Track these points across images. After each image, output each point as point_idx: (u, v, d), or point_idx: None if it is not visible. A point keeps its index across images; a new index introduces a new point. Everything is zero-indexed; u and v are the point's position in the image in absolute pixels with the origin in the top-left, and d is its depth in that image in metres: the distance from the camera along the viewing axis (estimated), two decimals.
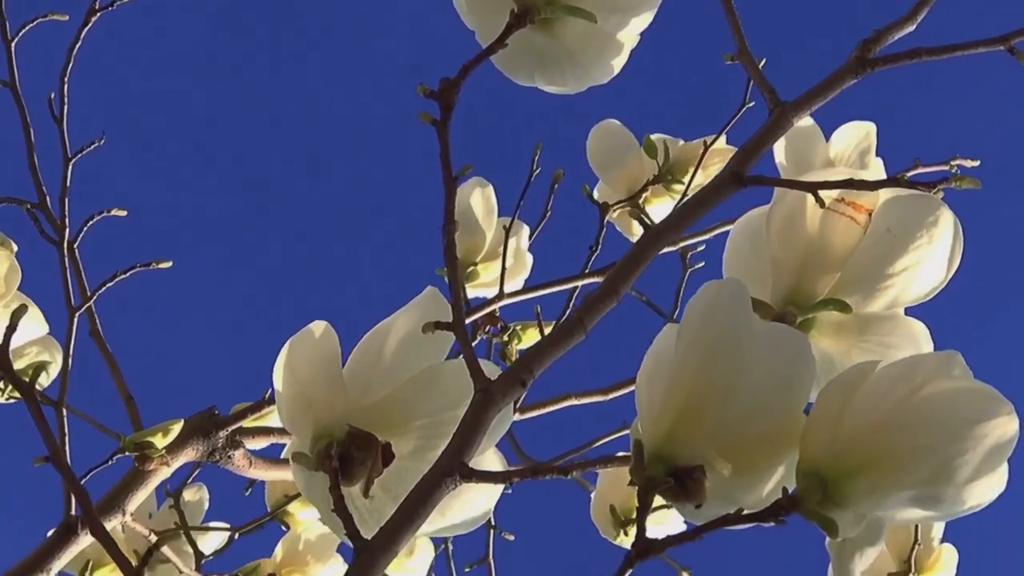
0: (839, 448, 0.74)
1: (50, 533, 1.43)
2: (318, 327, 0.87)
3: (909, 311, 0.92)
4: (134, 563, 1.79)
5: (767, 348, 0.77)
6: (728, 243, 0.95)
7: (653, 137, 1.60)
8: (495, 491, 0.89)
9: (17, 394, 1.55)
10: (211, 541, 1.81)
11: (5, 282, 1.01)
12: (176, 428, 1.49)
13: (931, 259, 0.90)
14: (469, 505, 0.89)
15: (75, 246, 1.55)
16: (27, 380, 0.85)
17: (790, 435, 0.77)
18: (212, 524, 1.83)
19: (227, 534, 1.82)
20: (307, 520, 1.79)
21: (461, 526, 0.90)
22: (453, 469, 0.80)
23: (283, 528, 1.80)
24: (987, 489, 0.75)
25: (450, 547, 1.80)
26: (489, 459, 0.89)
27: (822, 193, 0.89)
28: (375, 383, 0.88)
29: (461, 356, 0.85)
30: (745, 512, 0.74)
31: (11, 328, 0.85)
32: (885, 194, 0.91)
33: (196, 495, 1.85)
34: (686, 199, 0.95)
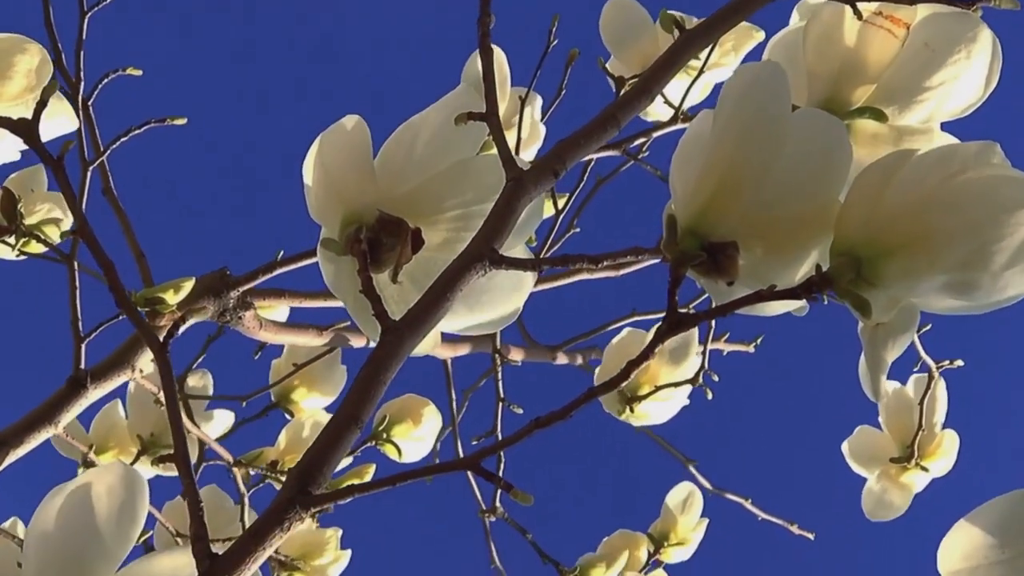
0: (874, 227, 0.74)
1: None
2: (350, 120, 0.86)
3: (945, 128, 0.92)
4: (134, 452, 1.80)
5: (804, 128, 0.76)
6: (763, 59, 0.94)
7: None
8: (524, 288, 0.89)
9: (28, 250, 1.55)
10: (214, 428, 1.81)
11: (37, 74, 1.01)
12: (188, 285, 1.48)
13: (968, 75, 0.89)
14: (498, 301, 0.89)
15: (89, 103, 1.54)
16: (56, 156, 0.84)
17: (825, 218, 0.76)
18: (217, 408, 1.83)
19: (230, 423, 1.82)
20: (311, 408, 1.79)
21: (489, 324, 0.90)
22: (483, 254, 0.79)
23: (287, 416, 1.80)
24: (1021, 279, 0.74)
25: (457, 424, 1.80)
26: (518, 255, 0.89)
27: (860, 6, 0.89)
28: (406, 174, 0.87)
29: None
30: (778, 288, 0.74)
31: (41, 103, 0.84)
32: (923, 11, 0.90)
33: (200, 381, 1.85)
34: (721, 7, 0.94)
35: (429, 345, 0.86)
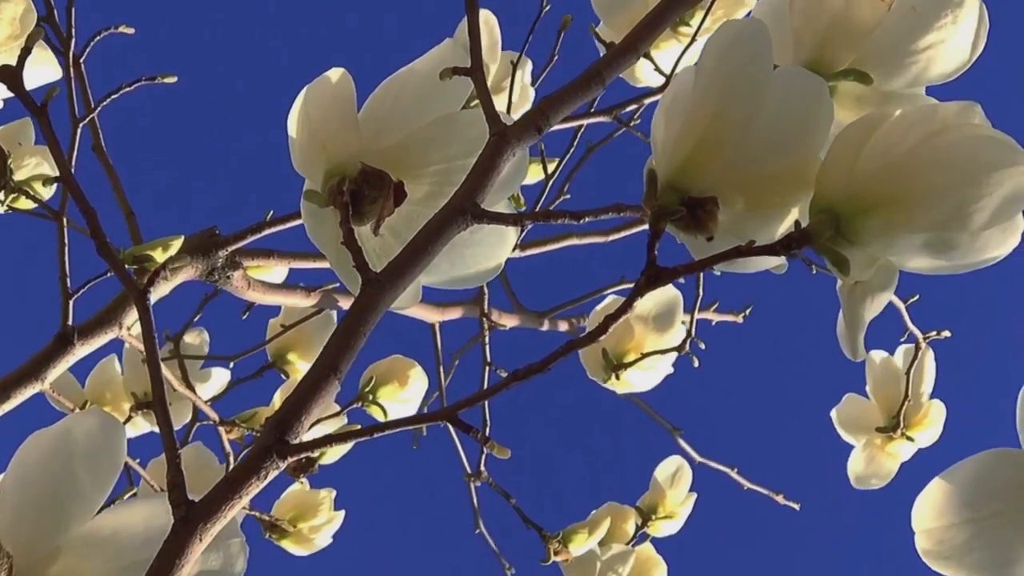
0: (854, 185, 0.74)
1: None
2: (335, 73, 0.86)
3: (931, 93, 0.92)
4: (130, 405, 1.80)
5: (786, 85, 0.77)
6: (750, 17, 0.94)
7: None
8: (506, 244, 0.89)
9: (16, 206, 1.55)
10: (209, 387, 1.81)
11: (21, 22, 1.01)
12: (176, 244, 1.48)
13: (955, 39, 0.89)
14: (480, 256, 0.89)
15: (81, 60, 1.54)
16: (38, 104, 0.84)
17: (806, 176, 0.76)
18: (212, 367, 1.83)
19: (226, 381, 1.82)
20: (306, 369, 1.79)
21: (471, 279, 0.90)
22: (465, 208, 0.80)
23: (282, 376, 1.80)
24: (1000, 241, 0.74)
25: (444, 389, 1.81)
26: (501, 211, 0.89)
27: None
28: (390, 127, 0.87)
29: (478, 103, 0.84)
30: (757, 244, 0.74)
31: (26, 50, 0.83)
32: None
33: (197, 339, 1.85)
34: None
35: (410, 299, 0.86)
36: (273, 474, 0.76)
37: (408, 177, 0.87)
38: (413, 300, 0.88)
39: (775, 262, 0.79)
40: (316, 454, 1.51)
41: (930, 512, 0.76)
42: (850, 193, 0.74)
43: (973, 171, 0.73)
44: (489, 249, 0.89)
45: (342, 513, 1.67)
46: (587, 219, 0.82)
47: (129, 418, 1.73)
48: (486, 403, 1.66)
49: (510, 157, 0.82)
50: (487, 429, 1.60)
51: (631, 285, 1.70)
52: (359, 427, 1.52)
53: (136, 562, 0.78)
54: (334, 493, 1.68)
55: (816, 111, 0.77)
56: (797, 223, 0.75)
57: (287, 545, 1.67)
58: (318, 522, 1.66)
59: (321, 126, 0.85)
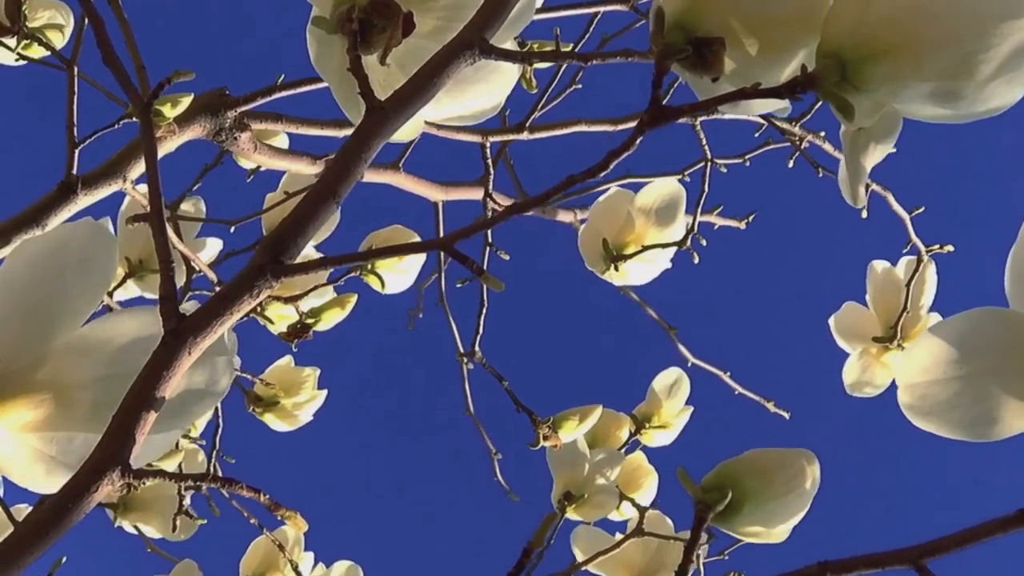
0: (862, 31, 0.73)
1: None
2: None
3: None
4: (121, 273, 1.80)
5: None
6: None
7: None
8: (508, 82, 0.89)
9: (28, 54, 1.55)
10: (203, 256, 1.81)
11: None
12: (186, 100, 1.48)
13: None
14: (483, 93, 0.89)
15: None
16: None
17: (813, 20, 0.75)
18: (207, 238, 1.83)
19: (217, 251, 1.82)
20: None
21: (471, 116, 0.90)
22: (473, 42, 0.79)
23: None
24: (1005, 91, 0.74)
25: (444, 270, 1.81)
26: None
27: None
28: None
29: None
30: (762, 87, 0.74)
31: None
32: None
33: (193, 207, 1.84)
34: None
35: (411, 131, 0.86)
36: (265, 293, 0.76)
37: (418, 9, 0.86)
38: (415, 132, 0.87)
39: (779, 105, 0.78)
40: (311, 320, 1.52)
41: (915, 367, 0.76)
42: (857, 39, 0.73)
43: (982, 21, 0.72)
44: (491, 87, 0.89)
45: (324, 392, 1.68)
46: (595, 62, 0.82)
47: (122, 282, 1.73)
48: (485, 265, 1.66)
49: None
50: (484, 310, 1.61)
51: (637, 180, 1.71)
52: (355, 298, 1.53)
53: (123, 372, 0.77)
54: (318, 371, 1.69)
55: None
56: (803, 67, 0.74)
57: (269, 420, 1.68)
58: (301, 399, 1.67)
59: None
